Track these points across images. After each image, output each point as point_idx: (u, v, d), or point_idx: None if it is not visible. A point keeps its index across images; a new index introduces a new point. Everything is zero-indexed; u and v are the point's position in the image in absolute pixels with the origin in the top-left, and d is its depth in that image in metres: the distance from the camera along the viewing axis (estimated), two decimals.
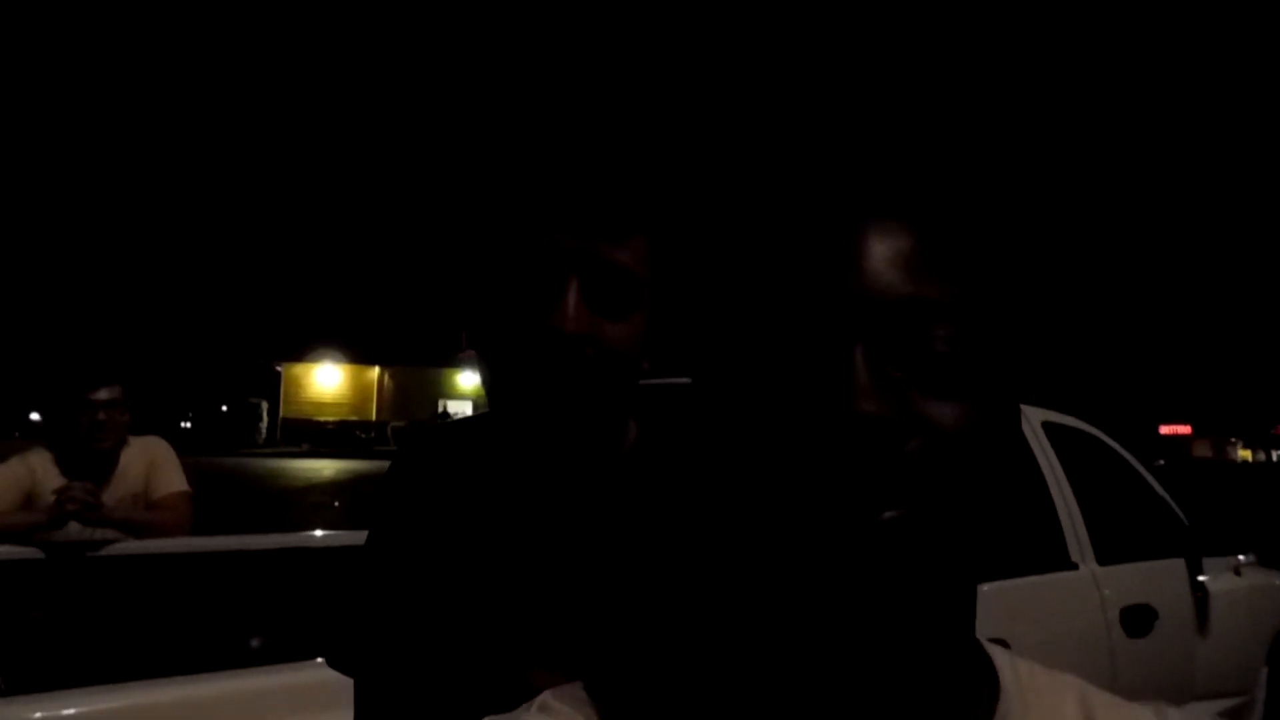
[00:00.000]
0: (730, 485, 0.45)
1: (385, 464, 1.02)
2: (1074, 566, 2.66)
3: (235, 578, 2.53)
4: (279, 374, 43.04)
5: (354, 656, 0.93)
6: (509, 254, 0.81)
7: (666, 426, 0.92)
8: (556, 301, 0.78)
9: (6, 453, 2.81)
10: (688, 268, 0.87)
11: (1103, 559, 2.74)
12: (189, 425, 44.31)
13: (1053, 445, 2.86)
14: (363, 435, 38.92)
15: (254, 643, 2.23)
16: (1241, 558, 3.43)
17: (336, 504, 14.84)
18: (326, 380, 43.42)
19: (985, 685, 0.48)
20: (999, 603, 2.31)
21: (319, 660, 1.59)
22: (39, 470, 2.73)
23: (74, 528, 2.59)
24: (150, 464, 2.88)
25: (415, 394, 42.21)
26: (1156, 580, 2.91)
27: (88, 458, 2.76)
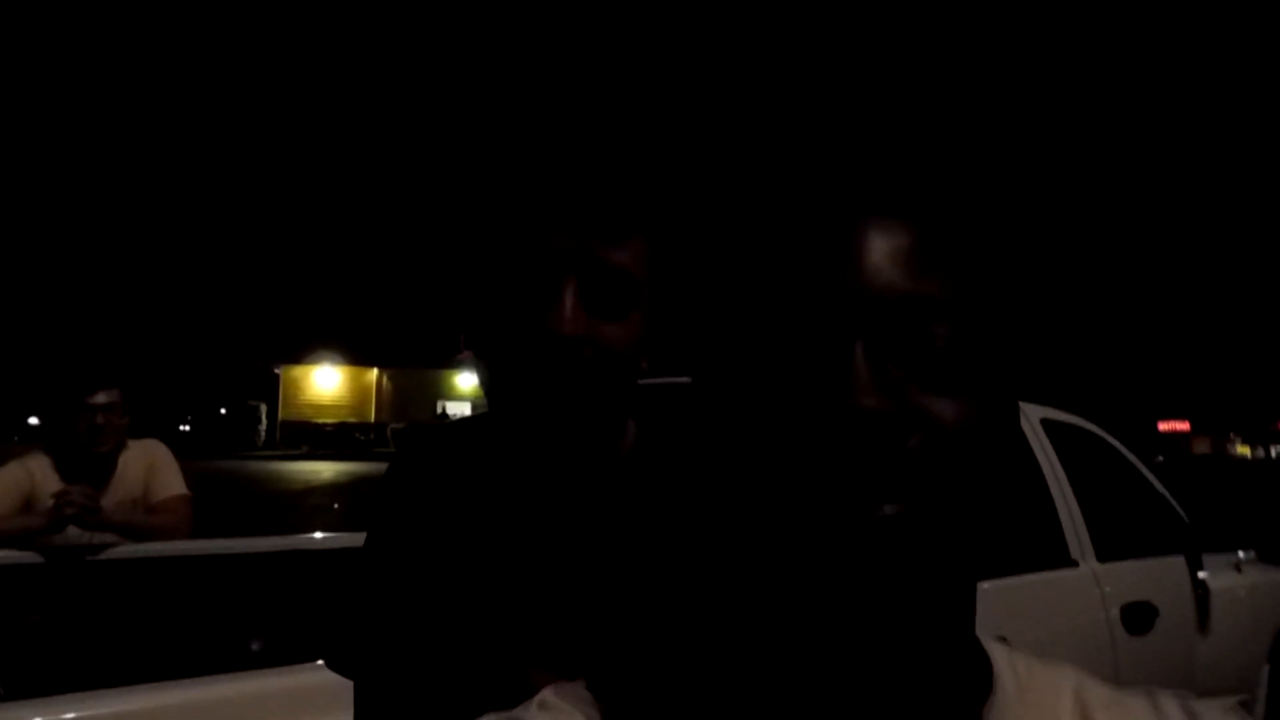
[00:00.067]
0: (730, 481, 0.45)
1: (385, 466, 1.02)
2: (1074, 564, 2.66)
3: (235, 581, 2.53)
4: (277, 376, 43.03)
5: (353, 658, 0.93)
6: (506, 255, 0.81)
7: (666, 426, 0.92)
8: (553, 303, 0.78)
9: (5, 457, 2.81)
10: (686, 267, 0.87)
11: (1103, 556, 2.74)
12: (188, 428, 44.30)
13: (1052, 442, 2.86)
14: (362, 437, 38.92)
15: (254, 645, 2.23)
16: (1242, 554, 3.43)
17: (336, 506, 14.85)
18: (325, 382, 43.40)
19: (980, 679, 0.48)
20: (999, 601, 2.31)
21: (319, 663, 1.59)
22: (38, 474, 2.73)
23: (73, 532, 2.59)
24: (149, 467, 2.88)
25: (414, 396, 42.21)
26: (1157, 577, 2.91)
27: (86, 462, 2.76)
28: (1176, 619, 2.87)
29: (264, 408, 43.05)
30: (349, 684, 0.94)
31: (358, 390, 43.59)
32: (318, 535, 2.77)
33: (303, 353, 42.79)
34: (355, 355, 42.63)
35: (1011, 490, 0.46)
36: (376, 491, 0.99)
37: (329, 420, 41.30)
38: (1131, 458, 3.35)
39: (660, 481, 0.85)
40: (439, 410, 40.43)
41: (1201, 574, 3.03)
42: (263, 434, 42.19)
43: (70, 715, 1.45)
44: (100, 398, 2.75)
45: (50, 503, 2.57)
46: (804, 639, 0.45)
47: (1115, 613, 2.64)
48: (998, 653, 0.50)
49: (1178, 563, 3.03)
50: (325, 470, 24.54)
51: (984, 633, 0.51)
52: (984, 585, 0.51)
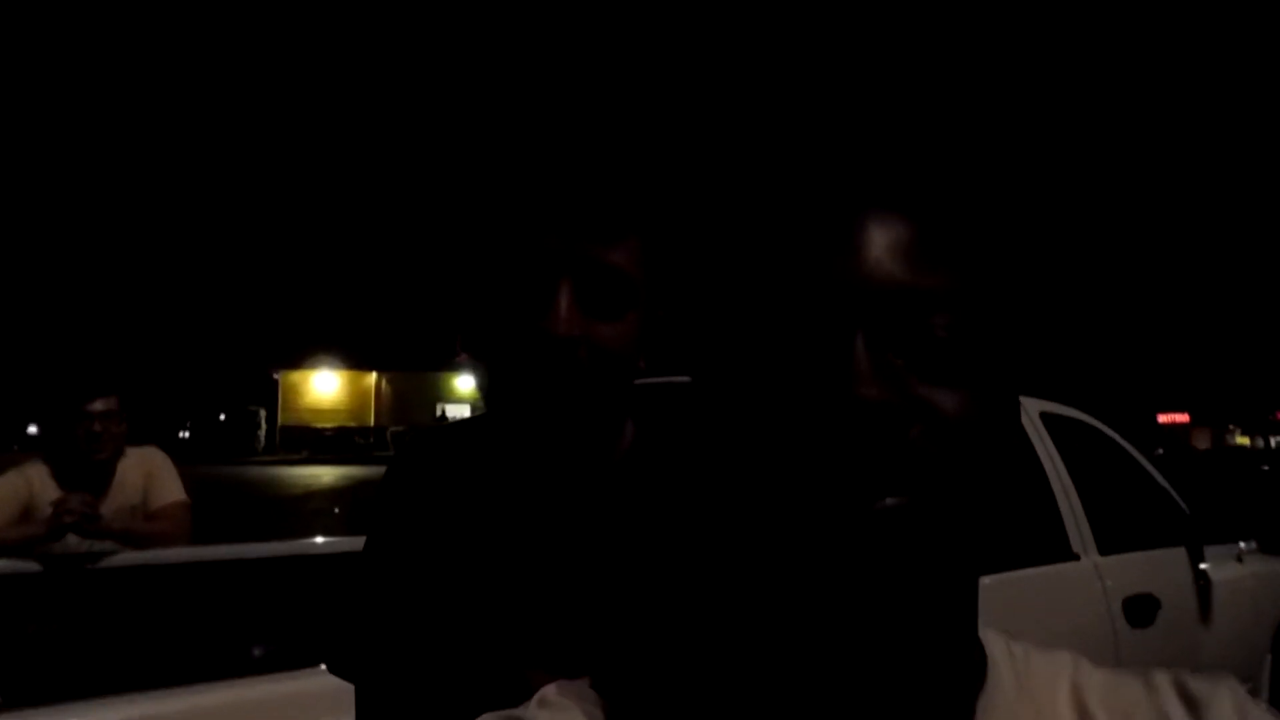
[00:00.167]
0: (730, 473, 0.45)
1: (384, 469, 1.02)
2: (1075, 557, 2.66)
3: (235, 587, 2.53)
4: (276, 381, 43.03)
5: (354, 661, 0.93)
6: (502, 257, 0.81)
7: (664, 425, 0.92)
8: (549, 304, 0.78)
9: (4, 466, 2.81)
10: (684, 263, 0.86)
11: (1104, 549, 2.74)
12: (187, 434, 44.29)
13: (1051, 436, 2.86)
14: (361, 441, 38.93)
15: (255, 651, 2.22)
16: (1243, 545, 3.43)
17: (336, 510, 14.84)
18: (324, 387, 43.42)
19: (975, 669, 0.48)
20: (1001, 595, 2.31)
21: (321, 668, 1.59)
22: (36, 483, 2.72)
23: (72, 540, 2.59)
24: (148, 474, 2.88)
25: (413, 399, 42.23)
26: (1158, 569, 2.91)
27: (85, 469, 2.75)
28: (1179, 611, 2.88)
29: (263, 413, 43.07)
30: (350, 689, 0.94)
31: (357, 394, 43.61)
32: (318, 540, 2.77)
33: (301, 357, 42.80)
34: (354, 359, 42.65)
35: (1012, 482, 0.46)
36: (376, 495, 0.99)
37: (328, 424, 41.32)
38: (1131, 450, 3.35)
39: (658, 480, 0.85)
40: (438, 413, 40.45)
41: (1203, 565, 3.03)
42: (262, 439, 42.21)
43: None
44: (98, 405, 2.75)
45: (49, 511, 2.57)
46: (804, 632, 0.45)
47: (1117, 606, 2.64)
48: (994, 642, 0.50)
49: (1179, 554, 3.03)
50: (325, 474, 24.55)
51: (984, 627, 0.50)
52: (985, 580, 0.50)
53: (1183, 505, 3.25)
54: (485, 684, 0.79)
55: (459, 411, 39.54)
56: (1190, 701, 0.46)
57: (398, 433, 35.37)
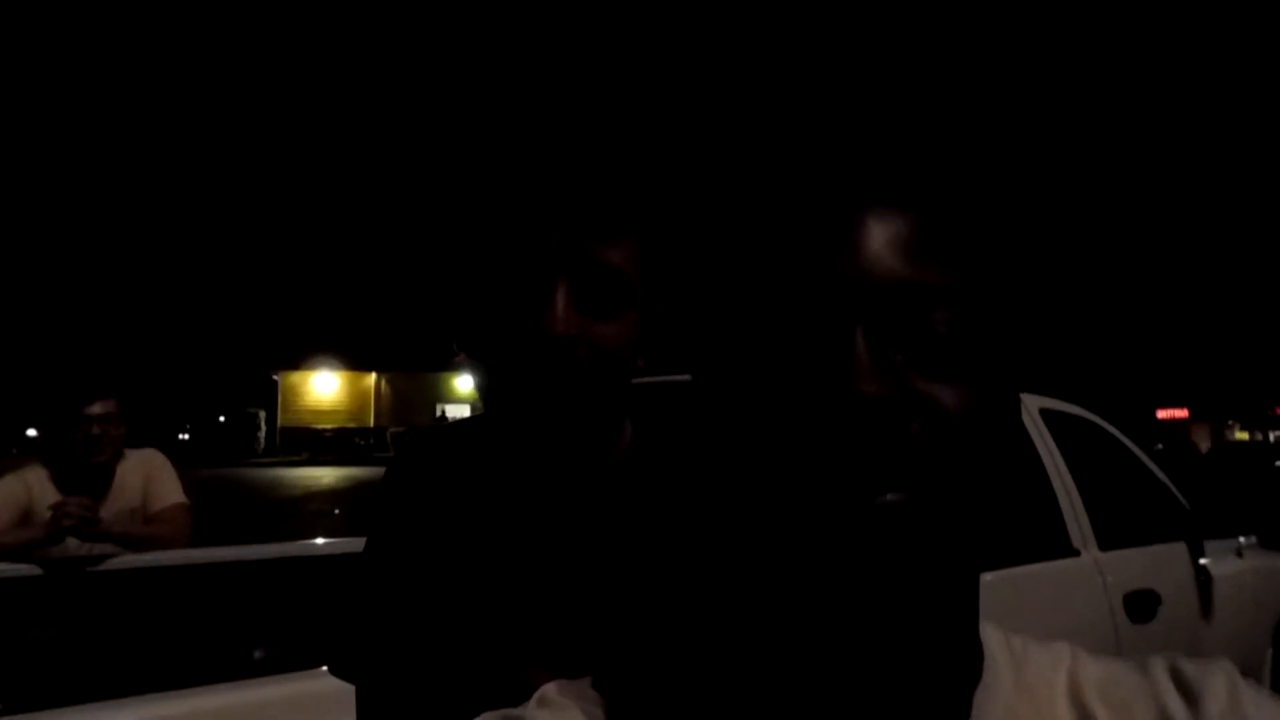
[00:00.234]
0: (729, 470, 0.45)
1: (384, 470, 1.01)
2: (1076, 553, 2.66)
3: (236, 589, 2.52)
4: (276, 383, 43.02)
5: (355, 662, 0.93)
6: (499, 257, 0.81)
7: (663, 424, 0.92)
8: (546, 304, 0.78)
9: (2, 469, 2.80)
10: (683, 260, 0.86)
11: (1104, 545, 2.74)
12: (187, 437, 44.27)
13: (1051, 432, 2.86)
14: (361, 442, 38.93)
15: (256, 654, 2.22)
16: (1243, 540, 3.43)
17: (337, 511, 14.84)
18: (324, 388, 43.41)
19: (973, 663, 0.48)
20: (1001, 592, 2.31)
21: (322, 670, 1.58)
22: (35, 486, 2.72)
23: (71, 543, 2.58)
24: (147, 477, 2.87)
25: (413, 399, 42.23)
26: (1159, 565, 2.91)
27: (84, 472, 2.75)
28: (1179, 606, 2.88)
29: (263, 414, 43.07)
30: (351, 690, 0.94)
31: (356, 395, 43.60)
32: (319, 541, 2.76)
33: (301, 358, 42.79)
34: (353, 360, 42.65)
35: (1012, 478, 0.46)
36: (376, 495, 0.99)
37: (328, 425, 41.31)
38: (1130, 445, 3.35)
39: (658, 478, 0.85)
40: (438, 413, 40.44)
41: (1203, 560, 3.03)
42: (262, 441, 42.20)
43: None
44: (97, 408, 2.75)
45: (48, 514, 2.56)
46: (804, 628, 0.45)
47: (1118, 601, 2.64)
48: (993, 636, 0.50)
49: (1179, 550, 3.03)
50: (325, 476, 24.55)
51: (983, 622, 0.50)
52: (986, 576, 0.50)
53: (1182, 500, 3.25)
54: (485, 684, 0.79)
55: (459, 412, 39.53)
56: (1185, 686, 0.47)
57: (397, 433, 35.39)
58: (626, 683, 0.52)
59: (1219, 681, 0.46)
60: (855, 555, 0.40)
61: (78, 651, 2.23)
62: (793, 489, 0.41)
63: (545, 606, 0.82)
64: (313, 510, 15.39)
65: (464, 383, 41.07)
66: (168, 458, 3.00)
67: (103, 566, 2.39)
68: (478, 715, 0.50)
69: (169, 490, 2.88)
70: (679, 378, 0.52)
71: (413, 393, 42.64)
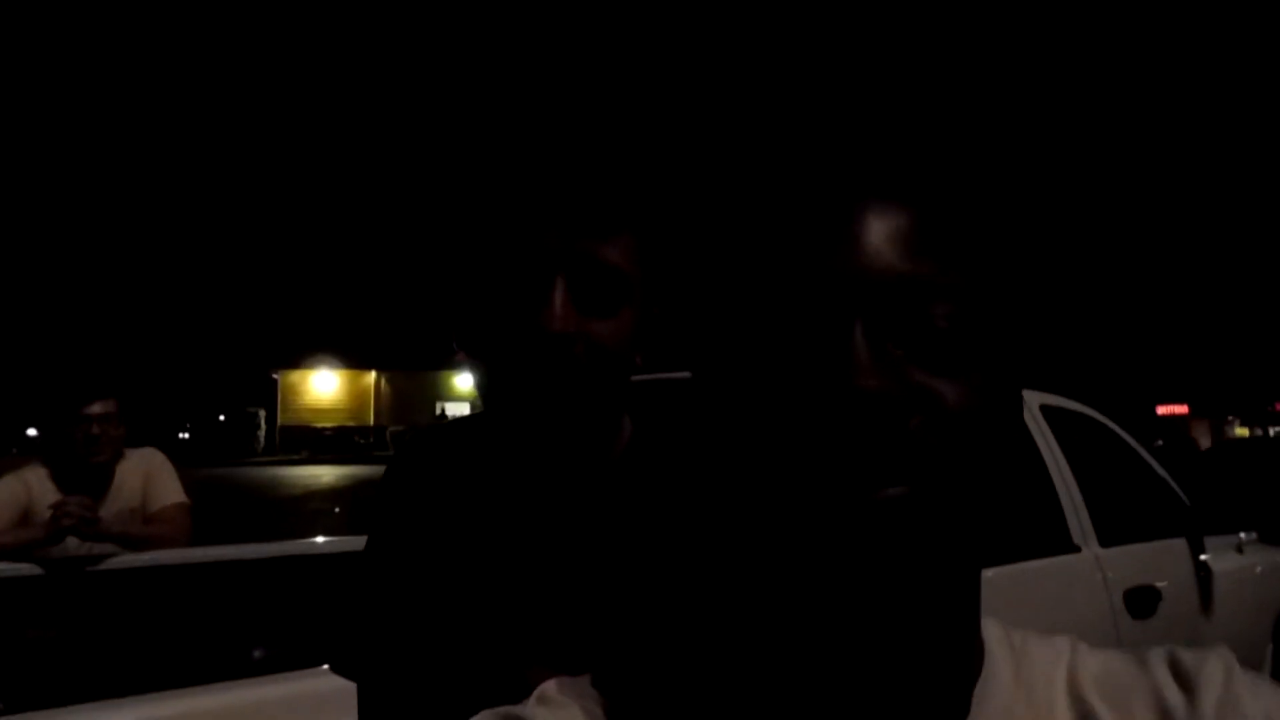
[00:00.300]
0: (729, 466, 0.45)
1: (384, 469, 1.01)
2: (1076, 549, 2.66)
3: (236, 588, 2.52)
4: (275, 382, 43.03)
5: (356, 660, 0.93)
6: (496, 255, 0.81)
7: (662, 421, 0.92)
8: (544, 302, 0.77)
9: (2, 469, 2.80)
10: (680, 259, 0.86)
11: (1105, 541, 2.74)
12: (187, 436, 44.28)
13: (1052, 428, 2.86)
14: (361, 440, 38.93)
15: (257, 653, 2.22)
16: (1243, 535, 3.43)
17: (337, 510, 14.85)
18: (323, 386, 43.41)
19: (973, 659, 0.48)
20: (1002, 588, 2.32)
21: (323, 668, 1.58)
22: (35, 486, 2.72)
23: (71, 543, 2.58)
24: (147, 476, 2.87)
25: (413, 398, 42.23)
26: (1159, 561, 2.91)
27: (84, 472, 2.75)
28: (1180, 602, 2.88)
29: (262, 413, 43.06)
30: (352, 689, 0.94)
31: (356, 394, 43.61)
32: (319, 540, 2.76)
33: (300, 357, 42.78)
34: (353, 359, 42.64)
35: (1013, 473, 0.46)
36: (376, 494, 0.99)
37: (328, 424, 41.31)
38: (1131, 442, 3.35)
39: (657, 475, 0.85)
40: (438, 412, 40.45)
41: (1203, 556, 3.04)
42: (262, 440, 42.21)
43: None
44: (96, 408, 2.75)
45: (48, 514, 2.56)
46: (805, 624, 0.45)
47: (1118, 597, 2.64)
48: (993, 631, 0.50)
49: (1180, 546, 3.03)
50: (325, 474, 24.56)
51: (985, 618, 0.50)
52: (986, 572, 0.50)
53: (1183, 496, 3.25)
54: (486, 682, 0.78)
55: (458, 410, 39.53)
56: (1182, 676, 0.47)
57: (397, 432, 35.38)
58: (626, 680, 0.52)
59: (1216, 669, 0.46)
60: (855, 549, 0.40)
61: (77, 651, 2.23)
62: (792, 484, 0.41)
63: (545, 604, 0.82)
64: (313, 509, 15.40)
65: (464, 381, 41.08)
66: (167, 457, 3.01)
67: (102, 566, 2.39)
68: (478, 713, 0.50)
69: (169, 490, 2.89)
70: (678, 375, 0.52)
71: (412, 391, 42.65)
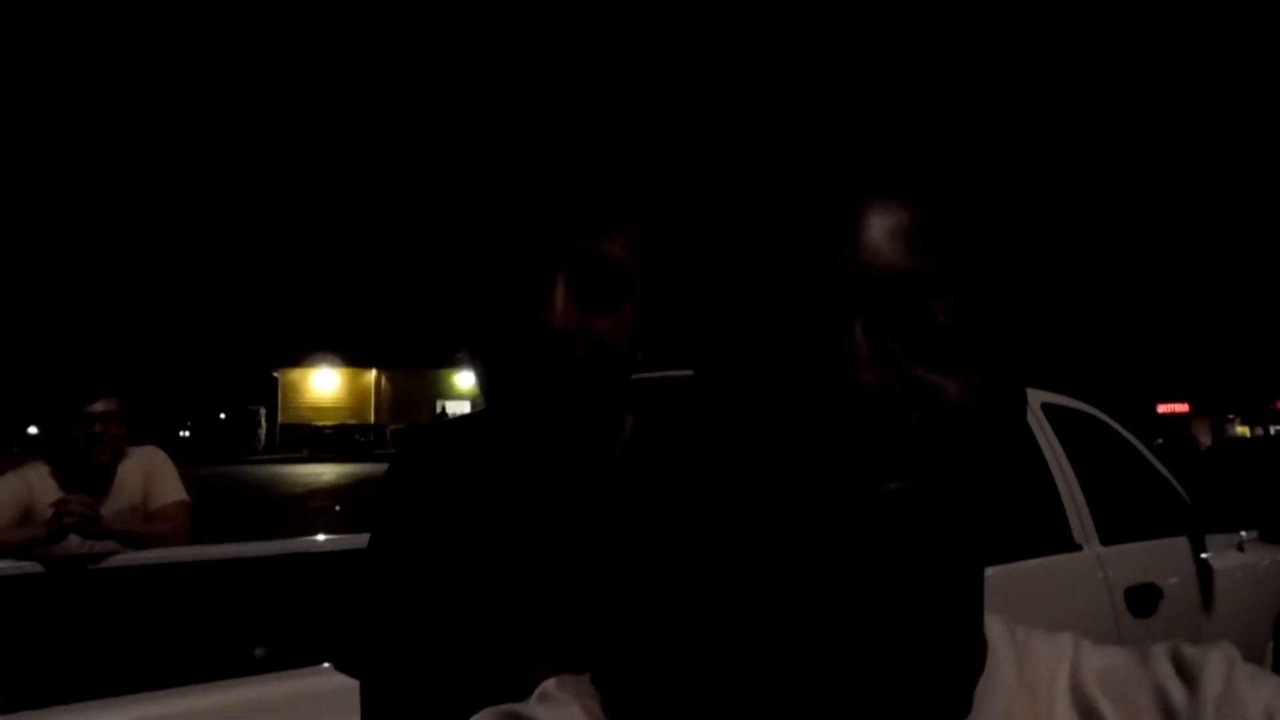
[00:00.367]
0: (730, 462, 0.45)
1: (385, 467, 1.02)
2: (1077, 547, 2.66)
3: (237, 586, 2.53)
4: (276, 380, 43.04)
5: (359, 658, 0.93)
6: (497, 251, 0.81)
7: (664, 419, 0.92)
8: (545, 298, 0.77)
9: (4, 468, 2.80)
10: (682, 253, 0.86)
11: (1106, 539, 2.74)
12: (187, 434, 44.28)
13: (1053, 426, 2.86)
14: (361, 439, 38.93)
15: (258, 651, 2.22)
16: (1244, 534, 3.43)
17: (338, 508, 14.86)
18: (324, 385, 43.41)
19: (975, 656, 0.48)
20: (1003, 586, 2.31)
21: (324, 666, 1.59)
22: (36, 484, 2.72)
23: (73, 541, 2.58)
24: (148, 475, 2.88)
25: (413, 396, 42.22)
26: (1160, 559, 2.91)
27: (85, 470, 2.75)
28: (1181, 600, 2.88)
29: (263, 412, 43.06)
30: (354, 687, 0.94)
31: (356, 392, 43.60)
32: (320, 538, 2.77)
33: (300, 356, 42.78)
34: (353, 357, 42.63)
35: (1015, 470, 0.46)
36: (377, 493, 0.99)
37: (328, 423, 41.31)
38: (1132, 440, 3.35)
39: (658, 473, 0.85)
40: (438, 410, 40.45)
41: (1204, 555, 3.04)
42: (262, 438, 42.21)
43: None
44: (98, 406, 2.75)
45: (50, 512, 2.56)
46: (806, 620, 0.45)
47: (1120, 596, 2.64)
48: (995, 628, 0.50)
49: (1181, 544, 3.03)
50: (326, 473, 24.57)
51: (988, 615, 0.50)
52: (987, 571, 0.50)
53: (1184, 494, 3.25)
54: (488, 680, 0.79)
55: (459, 408, 39.52)
56: (1184, 670, 0.47)
57: (398, 430, 35.39)
58: (626, 678, 0.52)
59: (1218, 664, 0.47)
60: (856, 545, 0.40)
61: (79, 649, 2.23)
62: (792, 479, 0.41)
63: (547, 602, 0.82)
64: (313, 507, 15.41)
65: (464, 379, 41.12)
66: (168, 455, 3.01)
67: (104, 564, 2.40)
68: (480, 711, 0.50)
69: (170, 488, 2.89)
70: (681, 373, 0.51)
71: (413, 389, 42.64)
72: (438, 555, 0.88)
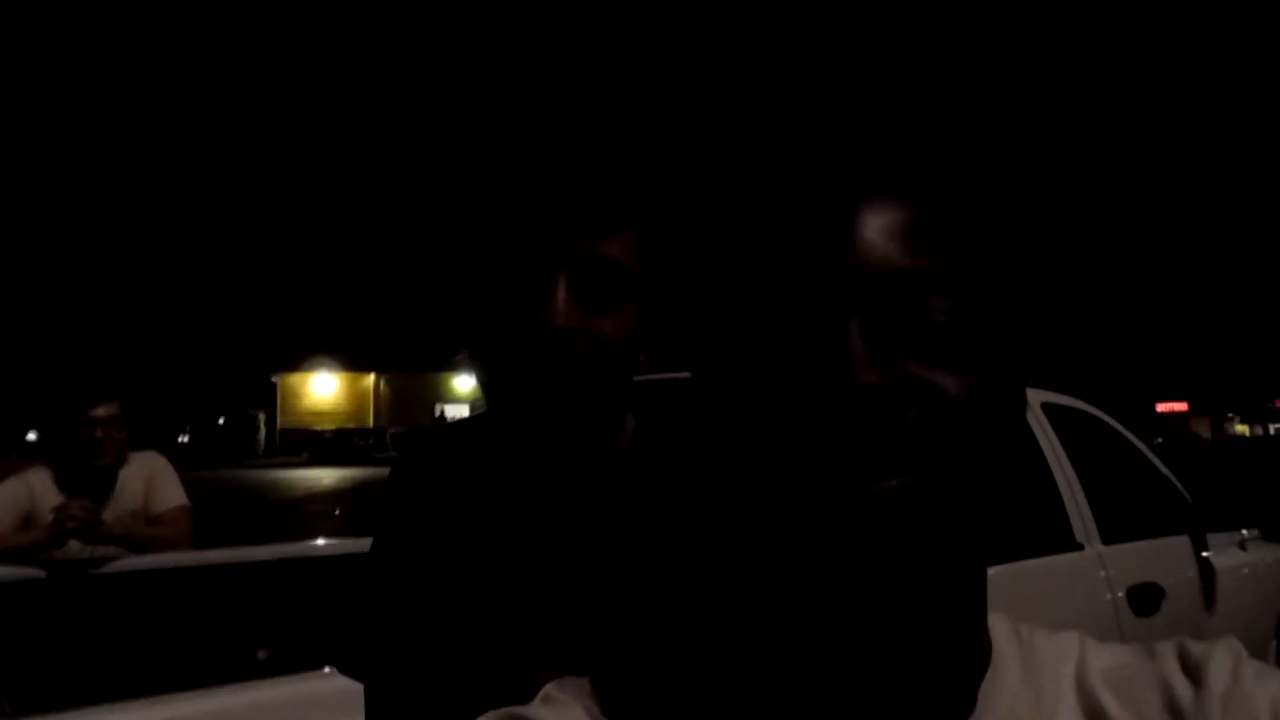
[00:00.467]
0: (729, 462, 0.45)
1: (385, 471, 1.02)
2: (1079, 547, 2.66)
3: (238, 590, 2.53)
4: (275, 385, 43.03)
5: (364, 661, 0.93)
6: (498, 252, 0.81)
7: (665, 419, 0.92)
8: (546, 298, 0.78)
9: (5, 472, 2.80)
10: (682, 253, 0.86)
11: (1107, 539, 2.74)
12: (187, 439, 44.24)
13: (1054, 426, 2.86)
14: (361, 442, 38.94)
15: (260, 654, 2.22)
16: (1245, 532, 3.43)
17: (338, 512, 14.86)
18: (323, 389, 43.42)
19: (980, 655, 0.48)
20: (1004, 586, 2.31)
21: (325, 670, 1.59)
22: (38, 489, 2.72)
23: (74, 546, 2.58)
24: (149, 479, 2.88)
25: (412, 399, 42.23)
26: (1162, 558, 2.91)
27: (86, 475, 2.76)
28: (1183, 599, 2.88)
29: (262, 416, 43.07)
30: (356, 690, 0.94)
31: (355, 396, 43.62)
32: (320, 542, 2.77)
33: (299, 360, 42.79)
34: (352, 361, 42.65)
35: (1016, 468, 0.46)
36: (379, 496, 0.99)
37: (328, 427, 41.33)
38: (1133, 439, 3.35)
39: (659, 473, 0.85)
40: (437, 413, 40.44)
41: (1206, 554, 3.03)
42: (262, 442, 42.22)
43: None
44: (100, 411, 2.75)
45: (51, 517, 2.56)
46: (807, 618, 0.45)
47: (1121, 595, 2.64)
48: (1000, 627, 0.50)
49: (1182, 543, 3.03)
50: (326, 477, 24.56)
51: (993, 614, 0.50)
52: (989, 570, 0.50)
53: (1185, 493, 3.25)
54: (493, 682, 0.78)
55: (458, 411, 39.50)
56: (1190, 665, 0.47)
57: (397, 434, 35.38)
58: (628, 679, 0.52)
59: (1223, 659, 0.46)
60: (856, 541, 0.40)
61: (82, 654, 2.23)
62: (791, 478, 0.41)
63: (551, 603, 0.82)
64: (314, 511, 15.40)
65: (463, 382, 41.13)
66: (168, 460, 3.01)
67: (105, 569, 2.39)
68: (484, 713, 0.50)
69: (171, 492, 2.89)
70: (682, 374, 0.52)
71: (412, 393, 42.64)
72: (441, 557, 0.88)
